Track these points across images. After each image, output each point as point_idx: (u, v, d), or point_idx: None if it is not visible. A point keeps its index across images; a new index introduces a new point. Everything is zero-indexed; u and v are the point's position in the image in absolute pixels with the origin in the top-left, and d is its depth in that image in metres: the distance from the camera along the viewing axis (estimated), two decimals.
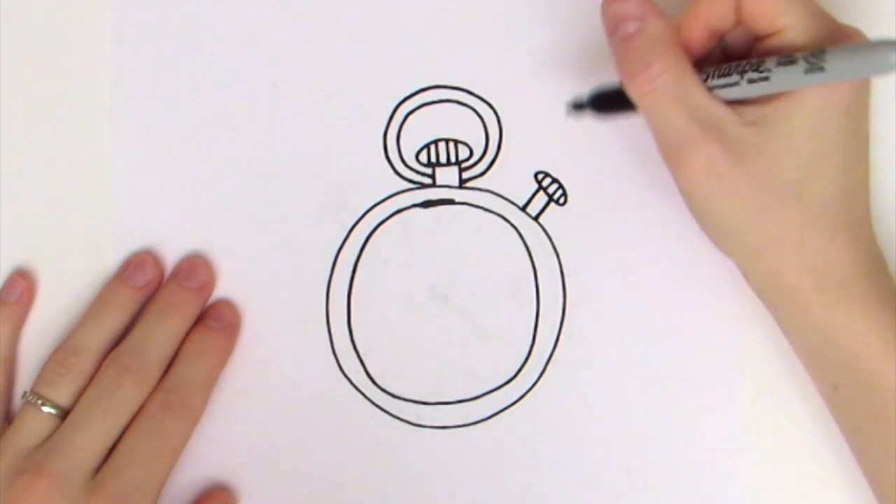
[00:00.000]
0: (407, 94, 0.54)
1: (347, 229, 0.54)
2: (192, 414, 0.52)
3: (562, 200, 0.53)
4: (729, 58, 0.49)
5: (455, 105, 0.54)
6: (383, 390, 0.53)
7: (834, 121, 0.46)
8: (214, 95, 0.54)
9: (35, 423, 0.51)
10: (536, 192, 0.53)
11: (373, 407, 0.53)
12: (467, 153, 0.54)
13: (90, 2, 0.54)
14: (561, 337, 0.53)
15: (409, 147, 0.54)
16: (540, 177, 0.53)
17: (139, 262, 0.53)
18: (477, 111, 0.54)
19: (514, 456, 0.53)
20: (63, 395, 0.51)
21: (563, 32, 0.53)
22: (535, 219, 0.53)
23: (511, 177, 0.53)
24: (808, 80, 0.44)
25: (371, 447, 0.53)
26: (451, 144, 0.54)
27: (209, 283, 0.54)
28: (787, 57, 0.45)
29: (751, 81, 0.46)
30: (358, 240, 0.54)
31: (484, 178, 0.54)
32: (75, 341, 0.52)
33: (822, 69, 0.44)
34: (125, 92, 0.54)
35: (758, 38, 0.47)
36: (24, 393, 0.52)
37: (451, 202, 0.54)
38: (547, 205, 0.53)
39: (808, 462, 0.53)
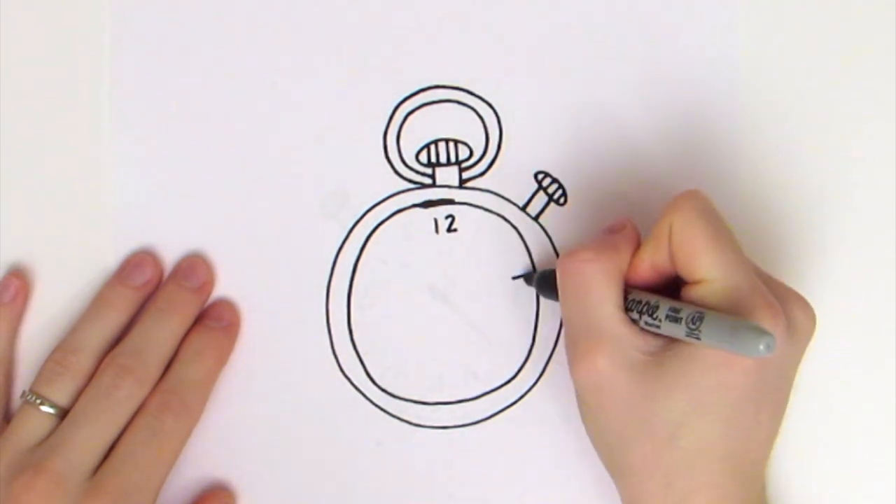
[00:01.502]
0: (407, 94, 0.54)
1: (347, 229, 0.54)
2: (191, 414, 0.52)
3: (562, 200, 0.54)
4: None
5: (455, 105, 0.54)
6: (383, 390, 0.53)
7: (729, 381, 0.45)
8: (214, 95, 0.54)
9: (34, 422, 0.51)
10: (536, 192, 0.53)
11: (373, 407, 0.53)
12: (467, 153, 0.54)
13: (90, 3, 0.54)
14: (561, 337, 0.53)
15: (409, 147, 0.54)
16: (540, 177, 0.54)
17: (138, 262, 0.53)
18: (477, 111, 0.54)
19: (514, 456, 0.53)
20: (62, 395, 0.51)
21: (563, 32, 0.54)
22: (535, 219, 0.53)
23: (511, 177, 0.54)
24: (685, 339, 0.45)
25: (371, 447, 0.53)
26: (451, 144, 0.54)
27: (208, 282, 0.53)
28: (674, 312, 0.45)
29: (647, 324, 0.46)
30: (358, 240, 0.54)
31: (484, 178, 0.54)
32: (74, 341, 0.52)
33: (697, 337, 0.44)
34: (125, 92, 0.54)
35: (683, 282, 0.47)
36: (23, 392, 0.51)
37: (451, 202, 0.54)
38: (547, 205, 0.53)
39: (808, 462, 0.53)
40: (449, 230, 0.54)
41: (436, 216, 0.54)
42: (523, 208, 0.54)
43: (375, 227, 0.54)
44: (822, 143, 0.53)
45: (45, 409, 0.51)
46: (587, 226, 0.53)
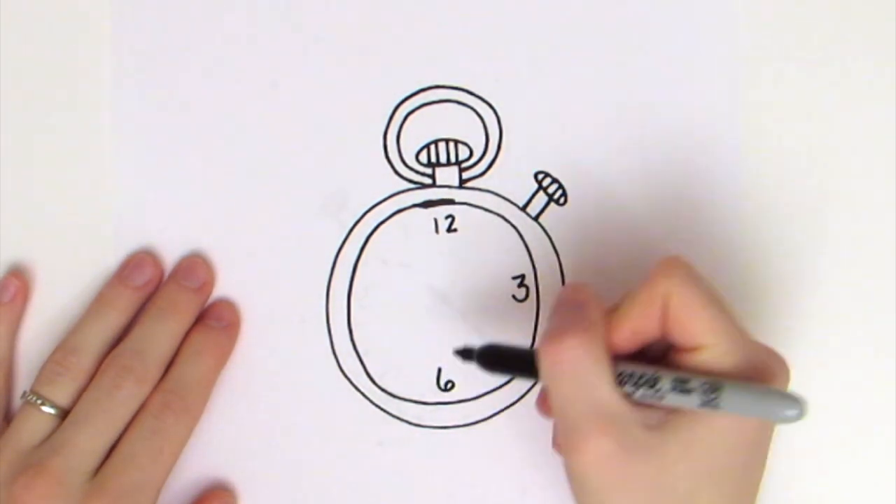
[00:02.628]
0: (407, 94, 0.54)
1: (347, 229, 0.54)
2: (191, 414, 0.52)
3: (562, 200, 0.53)
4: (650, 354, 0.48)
5: (455, 105, 0.54)
6: (383, 390, 0.53)
7: (734, 441, 0.45)
8: (214, 95, 0.54)
9: (34, 422, 0.51)
10: (536, 192, 0.53)
11: (373, 407, 0.53)
12: (467, 153, 0.54)
13: (90, 2, 0.54)
14: None
15: (409, 147, 0.54)
16: (540, 177, 0.54)
17: (138, 262, 0.53)
18: (477, 111, 0.54)
19: (514, 456, 0.53)
20: (62, 395, 0.51)
21: (563, 32, 0.53)
22: (535, 219, 0.53)
23: (511, 177, 0.53)
24: (700, 409, 0.44)
25: (371, 447, 0.53)
26: (451, 144, 0.54)
27: (208, 282, 0.54)
28: (681, 384, 0.44)
29: (642, 397, 0.45)
30: (358, 240, 0.54)
31: (484, 178, 0.54)
32: (75, 341, 0.52)
33: (716, 406, 0.43)
34: (125, 92, 0.54)
35: (675, 347, 0.46)
36: (24, 393, 0.52)
37: (451, 202, 0.54)
38: (547, 205, 0.53)
39: (809, 462, 0.53)
40: (449, 230, 0.54)
41: (436, 216, 0.54)
42: (523, 208, 0.53)
43: (375, 227, 0.54)
44: (822, 145, 0.53)
45: (45, 409, 0.51)
46: (587, 226, 0.53)
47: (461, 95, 0.54)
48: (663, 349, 0.47)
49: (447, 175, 0.54)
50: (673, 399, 0.44)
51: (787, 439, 0.52)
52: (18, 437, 0.50)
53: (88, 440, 0.50)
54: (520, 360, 0.48)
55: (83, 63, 0.54)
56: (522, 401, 0.53)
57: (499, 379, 0.53)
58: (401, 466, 0.53)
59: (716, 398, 0.43)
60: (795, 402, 0.42)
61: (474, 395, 0.53)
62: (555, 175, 0.53)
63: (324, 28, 0.54)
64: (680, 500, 0.45)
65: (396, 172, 0.54)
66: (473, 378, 0.53)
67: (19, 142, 0.54)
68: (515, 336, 0.53)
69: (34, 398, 0.51)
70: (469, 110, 0.54)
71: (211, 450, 0.53)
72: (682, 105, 0.53)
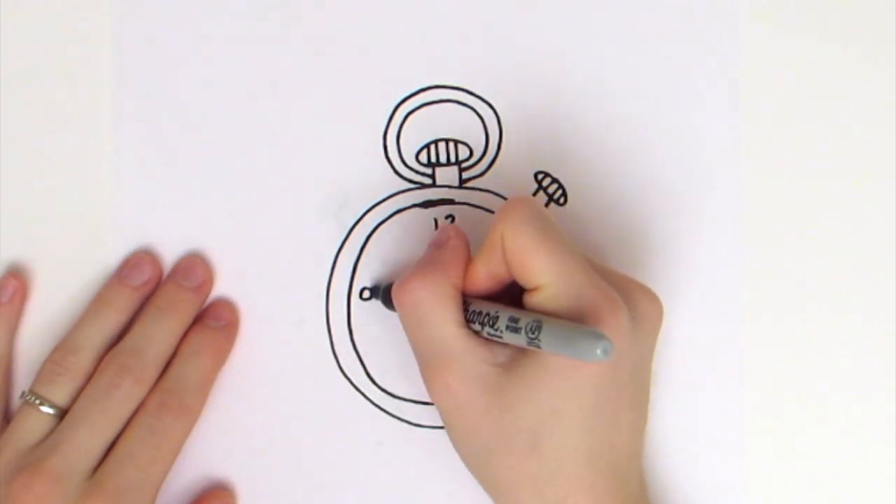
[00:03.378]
0: (407, 94, 0.54)
1: (347, 229, 0.54)
2: (190, 413, 0.52)
3: (562, 200, 0.54)
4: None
5: (455, 105, 0.54)
6: (383, 390, 0.53)
7: (580, 384, 0.45)
8: (214, 95, 0.54)
9: (33, 422, 0.50)
10: (536, 192, 0.53)
11: (373, 407, 0.53)
12: (467, 153, 0.54)
13: (90, 2, 0.54)
14: None
15: (409, 147, 0.54)
16: (540, 177, 0.54)
17: (137, 262, 0.53)
18: (477, 111, 0.54)
19: None
20: (61, 395, 0.51)
21: (563, 32, 0.54)
22: None
23: (511, 177, 0.54)
24: (528, 346, 0.44)
25: (371, 447, 0.53)
26: (451, 144, 0.54)
27: (207, 282, 0.53)
28: (513, 322, 0.45)
29: (489, 335, 0.46)
30: (358, 240, 0.54)
31: (484, 178, 0.54)
32: (73, 341, 0.52)
33: (538, 346, 0.44)
34: (125, 91, 0.54)
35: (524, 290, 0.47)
36: (23, 392, 0.51)
37: (451, 202, 0.54)
38: (547, 205, 0.53)
39: (809, 462, 0.53)
40: None
41: (436, 216, 0.54)
42: None
43: (375, 227, 0.54)
44: (822, 145, 0.53)
45: (44, 409, 0.51)
46: (587, 226, 0.53)
47: (461, 95, 0.54)
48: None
49: (447, 175, 0.54)
50: (509, 337, 0.45)
51: (788, 439, 0.52)
52: (17, 436, 0.50)
53: (86, 439, 0.50)
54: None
55: (83, 63, 0.54)
56: None
57: None
58: (401, 466, 0.53)
59: (536, 338, 0.44)
60: (599, 339, 0.42)
61: None
62: (555, 175, 0.53)
63: (324, 28, 0.54)
64: (525, 440, 0.46)
65: (396, 172, 0.54)
66: None
67: (19, 142, 0.54)
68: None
69: (33, 398, 0.51)
70: (469, 110, 0.54)
71: (210, 450, 0.53)
72: (682, 105, 0.53)
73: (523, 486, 0.46)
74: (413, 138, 0.54)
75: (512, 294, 0.48)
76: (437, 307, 0.47)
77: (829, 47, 0.54)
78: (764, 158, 0.53)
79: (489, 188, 0.54)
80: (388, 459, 0.53)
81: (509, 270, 0.47)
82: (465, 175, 0.54)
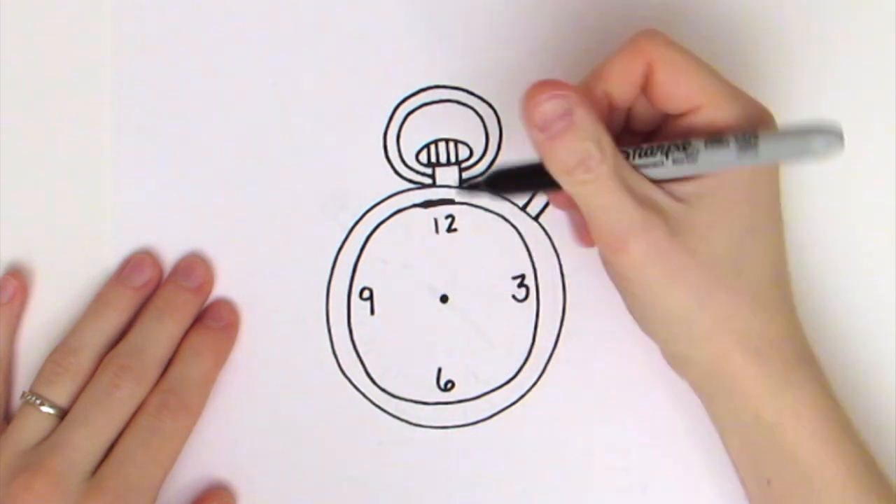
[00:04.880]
0: (407, 94, 0.54)
1: (347, 229, 0.54)
2: (190, 414, 0.52)
3: None
4: (631, 132, 0.48)
5: (455, 105, 0.54)
6: (383, 390, 0.53)
7: (759, 195, 0.45)
8: (214, 95, 0.54)
9: (34, 422, 0.51)
10: (535, 193, 0.53)
11: (373, 407, 0.53)
12: (467, 153, 0.54)
13: (90, 2, 0.54)
14: (561, 337, 0.53)
15: (409, 147, 0.54)
16: None
17: (137, 262, 0.53)
18: (477, 111, 0.54)
19: (514, 456, 0.53)
20: (62, 395, 0.51)
21: (562, 32, 0.54)
22: (535, 219, 0.53)
23: None
24: (736, 162, 0.43)
25: (371, 447, 0.53)
26: (451, 144, 0.54)
27: (207, 282, 0.53)
28: (716, 139, 0.44)
29: (676, 162, 0.44)
30: (358, 240, 0.54)
31: (484, 178, 0.54)
32: (74, 341, 0.52)
33: (755, 154, 0.43)
34: (125, 91, 0.54)
35: (669, 116, 0.46)
36: (23, 393, 0.51)
37: (451, 202, 0.54)
38: (547, 205, 0.53)
39: None
40: (449, 230, 0.54)
41: (436, 216, 0.54)
42: (523, 208, 0.54)
43: (375, 227, 0.54)
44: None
45: (44, 409, 0.51)
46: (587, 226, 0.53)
47: (461, 95, 0.54)
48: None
49: (447, 175, 0.54)
50: (707, 158, 0.44)
51: None
52: (17, 437, 0.50)
53: (87, 440, 0.50)
54: (534, 175, 0.46)
55: (83, 63, 0.54)
56: (522, 401, 0.53)
57: (499, 379, 0.53)
58: (401, 466, 0.53)
59: (753, 146, 0.43)
60: (834, 132, 0.41)
61: (474, 395, 0.53)
62: None
63: (324, 28, 0.54)
64: (729, 271, 0.45)
65: (396, 172, 0.54)
66: (473, 378, 0.53)
67: (19, 142, 0.54)
68: (516, 336, 0.53)
69: (33, 398, 0.51)
70: (469, 110, 0.54)
71: (211, 450, 0.53)
72: None
73: (734, 322, 0.45)
74: (413, 138, 0.54)
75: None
76: (617, 165, 0.44)
77: (828, 46, 0.54)
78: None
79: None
80: (388, 459, 0.53)
81: (651, 95, 0.45)
82: (465, 175, 0.54)
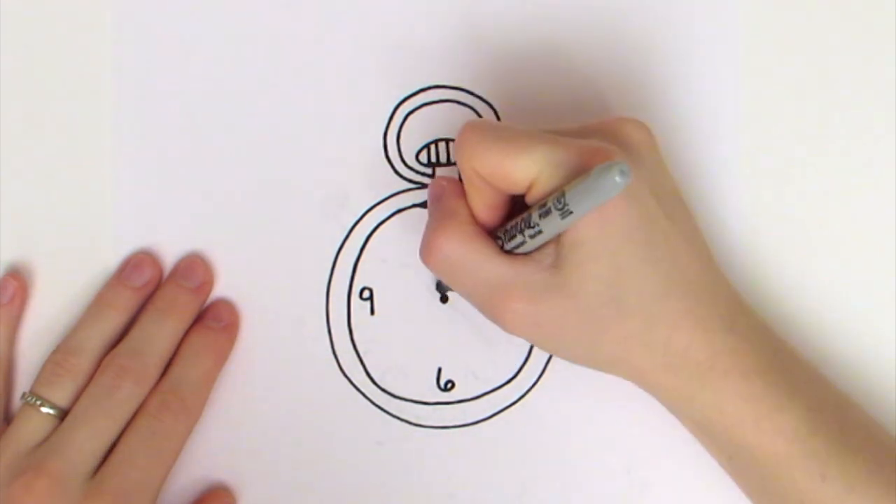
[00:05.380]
0: (407, 94, 0.54)
1: (347, 229, 0.54)
2: (190, 414, 0.52)
3: None
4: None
5: (455, 105, 0.54)
6: (383, 390, 0.53)
7: (620, 229, 0.45)
8: (214, 95, 0.54)
9: (34, 423, 0.50)
10: None
11: (373, 407, 0.53)
12: None
13: (90, 2, 0.54)
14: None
15: (409, 147, 0.54)
16: None
17: (137, 263, 0.53)
18: (477, 111, 0.54)
19: (514, 456, 0.53)
20: (62, 396, 0.51)
21: (563, 33, 0.53)
22: None
23: None
24: (568, 222, 0.44)
25: (371, 447, 0.53)
26: (452, 144, 0.54)
27: (207, 282, 0.53)
28: (543, 207, 0.45)
29: (532, 236, 0.46)
30: (358, 240, 0.54)
31: None
32: (74, 342, 0.52)
33: (570, 212, 0.43)
34: (125, 91, 0.54)
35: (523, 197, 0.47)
36: (23, 394, 0.51)
37: None
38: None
39: None
40: None
41: None
42: None
43: (376, 227, 0.54)
44: (822, 145, 0.53)
45: (45, 410, 0.51)
46: None
47: (461, 95, 0.54)
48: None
49: (447, 175, 0.54)
50: (547, 226, 0.45)
51: None
52: (18, 437, 0.50)
53: (87, 440, 0.50)
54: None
55: (83, 63, 0.54)
56: (522, 401, 0.53)
57: (499, 379, 0.53)
58: (401, 466, 0.53)
59: (564, 203, 0.43)
60: (610, 166, 0.41)
61: (474, 395, 0.53)
62: None
63: (324, 28, 0.54)
64: (610, 308, 0.46)
65: (396, 172, 0.54)
66: (473, 378, 0.53)
67: (19, 142, 0.54)
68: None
69: (33, 399, 0.51)
70: (469, 110, 0.54)
71: (211, 450, 0.53)
72: (681, 105, 0.53)
73: (632, 347, 0.47)
74: (413, 138, 0.54)
75: (513, 214, 0.48)
76: (470, 249, 0.47)
77: (829, 46, 0.54)
78: (764, 158, 0.53)
79: None
80: (388, 459, 0.53)
81: (500, 191, 0.47)
82: None
